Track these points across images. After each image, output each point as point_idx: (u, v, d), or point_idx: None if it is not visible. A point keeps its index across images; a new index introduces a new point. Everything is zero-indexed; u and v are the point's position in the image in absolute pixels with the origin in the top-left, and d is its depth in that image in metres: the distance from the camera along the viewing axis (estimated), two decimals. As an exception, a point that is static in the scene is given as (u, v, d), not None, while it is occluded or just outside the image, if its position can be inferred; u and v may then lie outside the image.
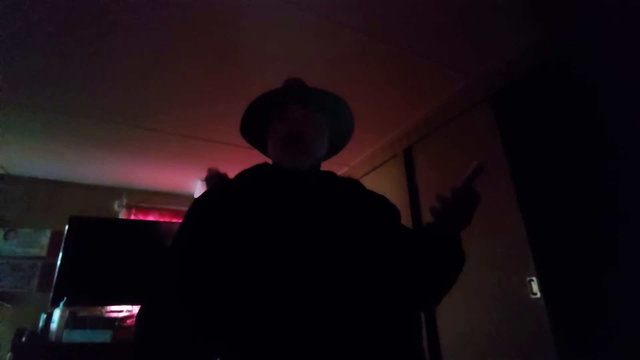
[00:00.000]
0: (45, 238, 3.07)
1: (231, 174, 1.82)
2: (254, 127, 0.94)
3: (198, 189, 3.38)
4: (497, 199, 1.73)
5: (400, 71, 1.92)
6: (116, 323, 2.38)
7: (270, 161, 0.93)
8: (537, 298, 1.50)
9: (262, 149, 0.98)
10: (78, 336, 2.18)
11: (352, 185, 0.93)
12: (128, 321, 2.60)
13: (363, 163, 3.03)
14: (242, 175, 0.86)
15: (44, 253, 3.01)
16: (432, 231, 0.85)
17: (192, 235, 0.74)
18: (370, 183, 2.93)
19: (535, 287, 1.52)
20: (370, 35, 1.66)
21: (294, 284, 0.66)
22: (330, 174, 0.93)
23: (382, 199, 0.94)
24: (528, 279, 1.55)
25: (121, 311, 2.81)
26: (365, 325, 0.66)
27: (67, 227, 2.80)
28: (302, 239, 0.71)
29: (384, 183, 2.73)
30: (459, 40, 1.72)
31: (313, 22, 1.58)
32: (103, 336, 2.23)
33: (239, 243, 0.70)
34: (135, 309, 2.92)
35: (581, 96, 1.53)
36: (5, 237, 2.95)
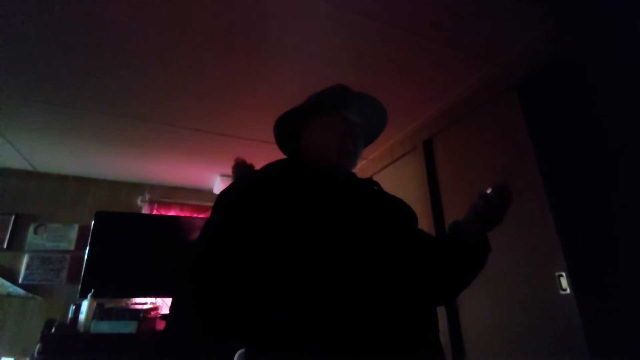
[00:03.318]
0: (73, 232, 3.18)
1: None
2: (292, 121, 0.95)
3: (217, 184, 3.42)
4: (524, 189, 1.66)
5: (420, 60, 1.86)
6: (141, 314, 2.44)
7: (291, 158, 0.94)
8: (567, 294, 1.44)
9: (287, 143, 0.98)
10: (105, 327, 2.25)
11: (373, 186, 0.94)
12: (152, 313, 2.66)
13: (382, 156, 2.99)
14: (269, 169, 0.85)
15: (72, 247, 3.13)
16: (465, 229, 0.87)
17: (222, 232, 0.73)
18: (389, 176, 2.90)
19: (564, 282, 1.45)
20: (389, 24, 1.61)
21: (330, 282, 0.67)
22: (353, 175, 0.93)
23: (401, 202, 0.94)
24: (557, 274, 1.48)
25: (145, 303, 2.88)
26: (391, 318, 0.67)
27: (93, 221, 2.89)
28: (340, 238, 0.71)
29: (403, 176, 2.68)
30: (482, 26, 1.64)
31: (332, 12, 1.54)
32: (129, 327, 2.29)
33: (270, 241, 0.70)
34: (159, 301, 2.99)
35: (613, 83, 1.45)
36: (35, 232, 3.07)
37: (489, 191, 0.83)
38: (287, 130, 0.96)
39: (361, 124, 0.93)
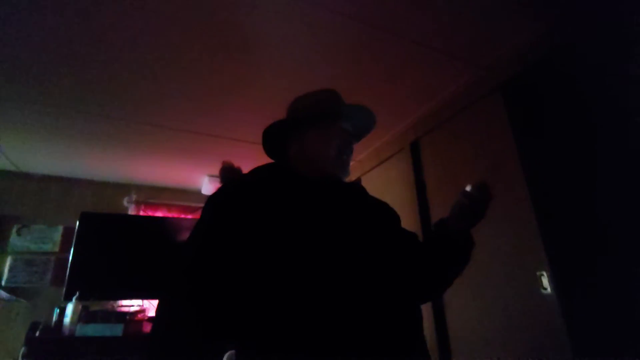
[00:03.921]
0: (57, 234, 3.13)
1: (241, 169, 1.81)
2: (285, 129, 0.95)
3: (205, 185, 3.40)
4: (508, 191, 1.70)
5: (407, 63, 1.89)
6: (127, 317, 2.42)
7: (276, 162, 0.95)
8: (548, 293, 1.48)
9: (276, 149, 0.99)
10: (90, 330, 2.22)
11: (358, 190, 0.96)
12: (139, 315, 2.64)
13: (369, 157, 3.01)
14: (258, 174, 0.86)
15: (56, 249, 3.07)
16: (450, 226, 0.89)
17: (212, 234, 0.74)
18: (377, 178, 2.93)
19: (545, 281, 1.50)
20: (376, 27, 1.63)
21: (318, 283, 0.69)
22: (338, 180, 0.95)
23: (383, 204, 0.97)
24: (538, 273, 1.53)
25: (132, 306, 2.85)
26: (378, 318, 0.69)
27: (78, 223, 2.84)
28: (325, 242, 0.73)
29: (391, 177, 2.71)
30: (467, 29, 1.68)
31: (318, 15, 1.56)
32: (115, 330, 2.27)
33: (262, 244, 0.71)
34: (146, 303, 2.96)
35: (597, 85, 1.49)
36: (18, 234, 3.01)
37: (469, 188, 0.86)
38: (278, 137, 0.96)
39: (354, 134, 0.96)
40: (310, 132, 0.91)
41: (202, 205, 0.82)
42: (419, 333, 0.77)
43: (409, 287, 0.80)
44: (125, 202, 3.48)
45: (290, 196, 0.78)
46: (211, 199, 0.80)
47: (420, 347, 0.75)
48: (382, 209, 0.95)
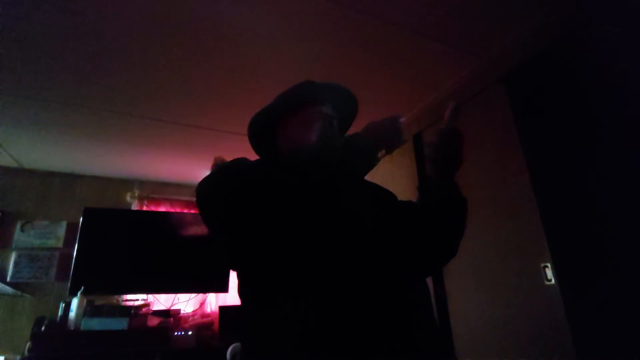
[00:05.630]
0: (61, 229, 3.14)
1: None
2: (266, 121, 0.97)
3: (208, 179, 3.40)
4: (510, 182, 1.70)
5: (409, 54, 1.87)
6: (132, 311, 2.44)
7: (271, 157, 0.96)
8: (551, 285, 1.48)
9: (264, 143, 1.00)
10: (96, 324, 2.25)
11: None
12: (143, 309, 2.66)
13: (372, 150, 2.99)
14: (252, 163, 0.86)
15: (60, 244, 3.09)
16: (432, 180, 0.89)
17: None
18: (380, 170, 2.90)
19: (549, 273, 1.49)
20: (377, 17, 1.62)
21: (322, 266, 0.69)
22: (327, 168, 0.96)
23: (378, 187, 0.99)
24: (542, 265, 1.52)
25: (137, 300, 2.87)
26: (384, 295, 0.69)
27: (81, 218, 2.85)
28: (326, 225, 0.73)
29: (393, 171, 2.70)
30: (471, 20, 1.66)
31: (319, 7, 1.54)
32: (120, 324, 2.29)
33: (274, 225, 0.71)
34: (150, 297, 2.98)
35: (601, 77, 1.47)
36: (22, 230, 3.02)
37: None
38: (262, 130, 0.98)
39: (335, 116, 0.95)
40: (290, 120, 0.93)
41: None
42: (428, 306, 0.77)
43: (413, 257, 0.79)
44: (128, 198, 3.49)
45: (284, 191, 0.77)
46: (201, 183, 0.81)
47: (430, 322, 0.75)
48: (375, 189, 0.96)
